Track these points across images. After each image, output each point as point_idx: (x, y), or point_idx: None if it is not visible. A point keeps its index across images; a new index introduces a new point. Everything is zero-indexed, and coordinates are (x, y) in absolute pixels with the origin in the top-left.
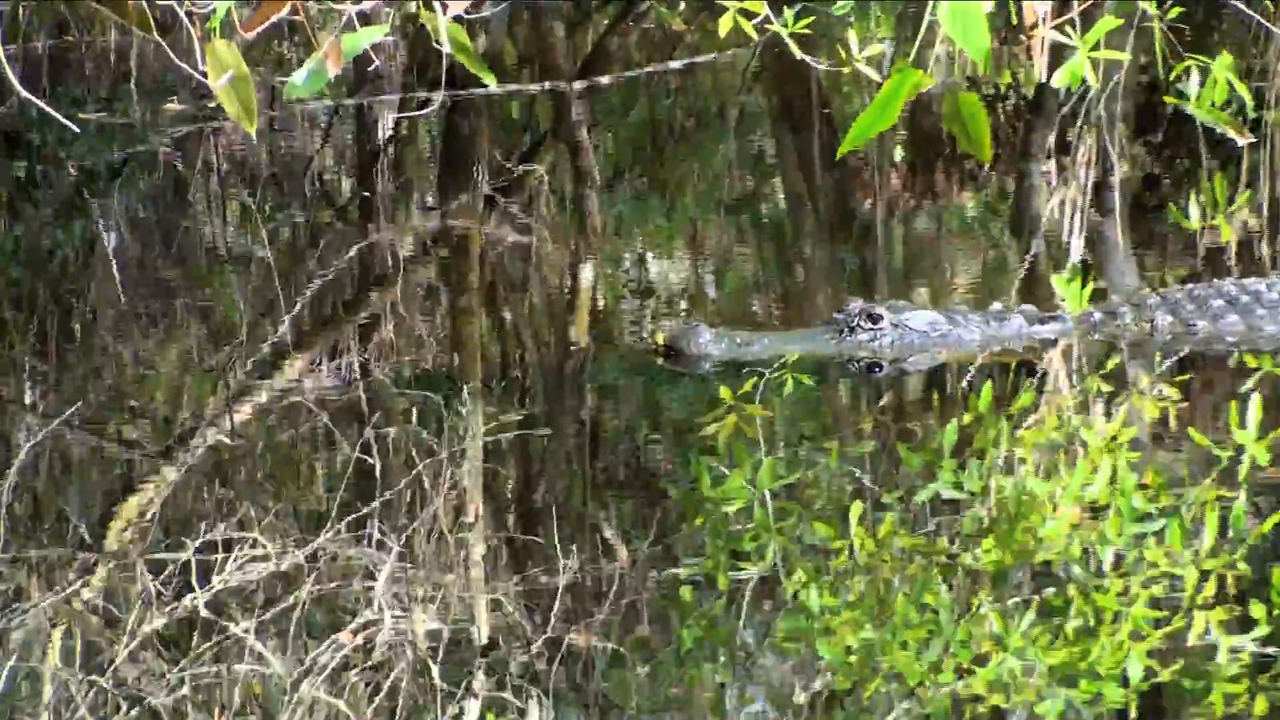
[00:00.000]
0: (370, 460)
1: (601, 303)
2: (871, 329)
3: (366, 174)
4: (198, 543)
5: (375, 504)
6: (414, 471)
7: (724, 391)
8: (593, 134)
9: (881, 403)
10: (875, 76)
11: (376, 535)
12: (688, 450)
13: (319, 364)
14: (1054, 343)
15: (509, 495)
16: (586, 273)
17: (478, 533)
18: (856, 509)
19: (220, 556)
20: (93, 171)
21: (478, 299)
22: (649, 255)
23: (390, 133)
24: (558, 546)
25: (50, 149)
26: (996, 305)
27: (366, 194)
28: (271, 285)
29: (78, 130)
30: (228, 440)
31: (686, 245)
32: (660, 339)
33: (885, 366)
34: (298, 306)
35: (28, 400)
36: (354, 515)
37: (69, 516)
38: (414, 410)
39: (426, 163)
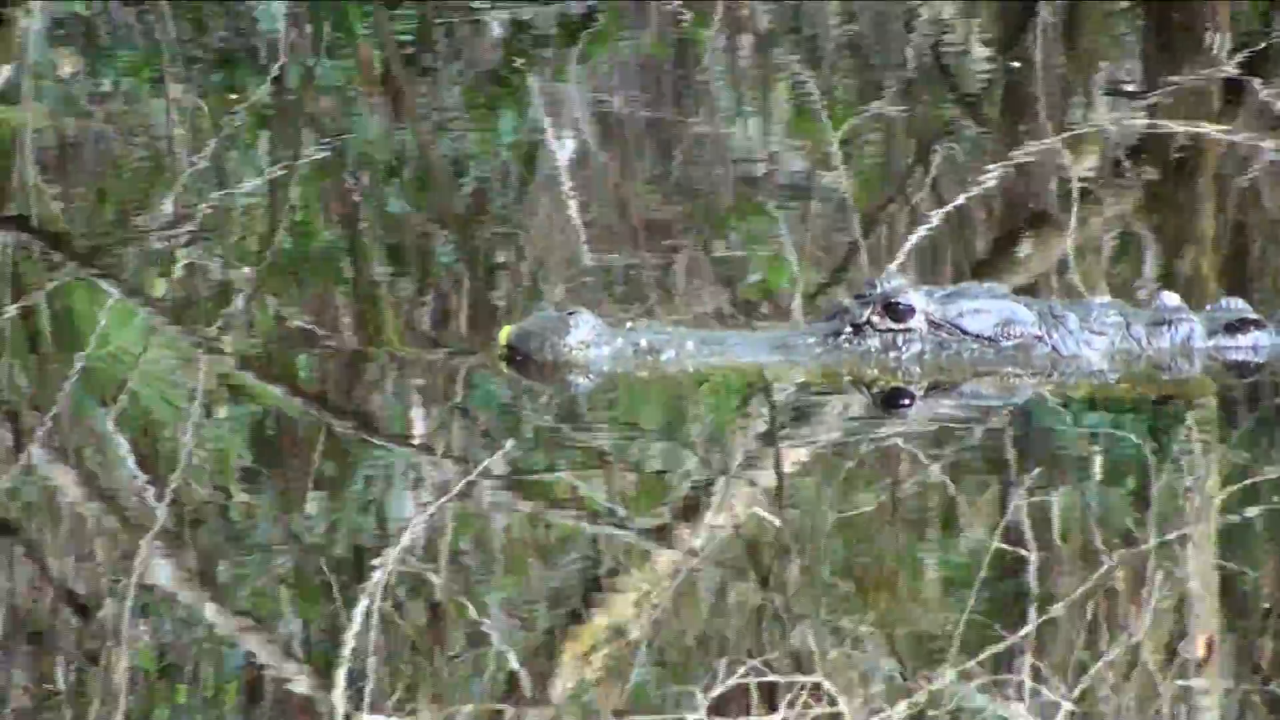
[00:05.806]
0: (1021, 551)
1: None
2: (889, 330)
3: (1015, 37)
4: (717, 689)
5: (1030, 626)
6: (1102, 570)
7: None
8: None
9: None
10: None
11: (1028, 678)
12: None
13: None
14: (1255, 370)
15: (1268, 611)
16: None
17: (1212, 676)
18: None
19: (756, 716)
20: (532, 27)
21: (1209, 253)
22: None
23: None
24: None
25: None
26: (1168, 296)
27: (1014, 68)
28: (845, 224)
29: None
30: (771, 510)
31: None
32: (504, 336)
33: (916, 398)
34: (895, 264)
35: (415, 435)
36: (995, 645)
37: (490, 643)
38: (1097, 457)
39: (1118, 18)
